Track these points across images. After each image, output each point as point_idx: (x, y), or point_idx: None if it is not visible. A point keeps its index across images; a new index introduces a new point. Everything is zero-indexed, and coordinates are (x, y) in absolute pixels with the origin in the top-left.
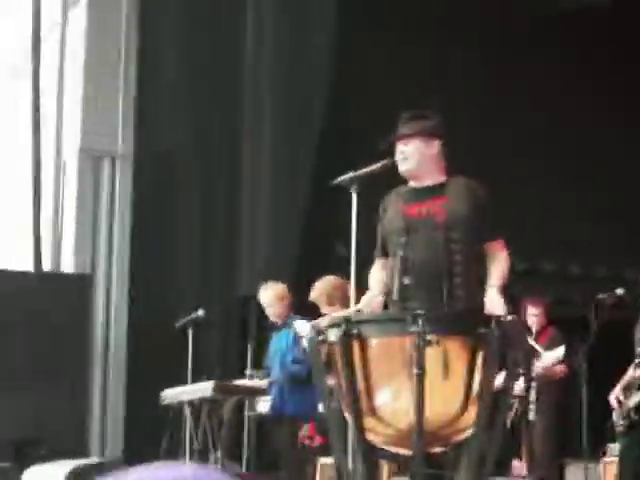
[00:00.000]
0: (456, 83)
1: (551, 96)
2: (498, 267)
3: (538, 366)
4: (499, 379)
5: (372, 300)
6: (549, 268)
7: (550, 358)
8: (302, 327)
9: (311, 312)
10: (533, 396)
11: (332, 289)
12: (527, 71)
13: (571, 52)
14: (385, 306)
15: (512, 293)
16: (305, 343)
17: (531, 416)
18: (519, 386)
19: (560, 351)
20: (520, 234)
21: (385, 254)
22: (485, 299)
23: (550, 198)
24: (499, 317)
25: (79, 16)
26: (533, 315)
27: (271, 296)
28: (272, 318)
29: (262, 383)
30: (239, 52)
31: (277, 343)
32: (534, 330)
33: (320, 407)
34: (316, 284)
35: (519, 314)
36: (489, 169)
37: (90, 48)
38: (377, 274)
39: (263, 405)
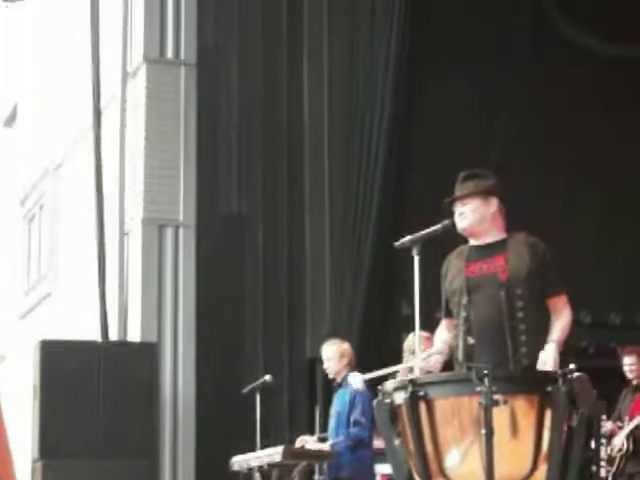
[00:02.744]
0: (507, 144)
1: (613, 144)
2: (559, 323)
3: None
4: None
5: (431, 357)
6: (615, 320)
7: None
8: (355, 380)
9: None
10: (628, 448)
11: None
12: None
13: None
14: (448, 366)
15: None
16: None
17: (628, 468)
18: (619, 440)
19: None
20: (585, 287)
21: (450, 314)
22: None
23: (617, 249)
24: (566, 374)
25: (138, 87)
26: (629, 365)
27: (333, 351)
28: (330, 374)
29: (325, 447)
30: (298, 117)
31: (336, 404)
32: (634, 382)
33: (378, 469)
34: (409, 336)
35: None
36: (552, 222)
37: (150, 118)
38: (442, 334)
39: None
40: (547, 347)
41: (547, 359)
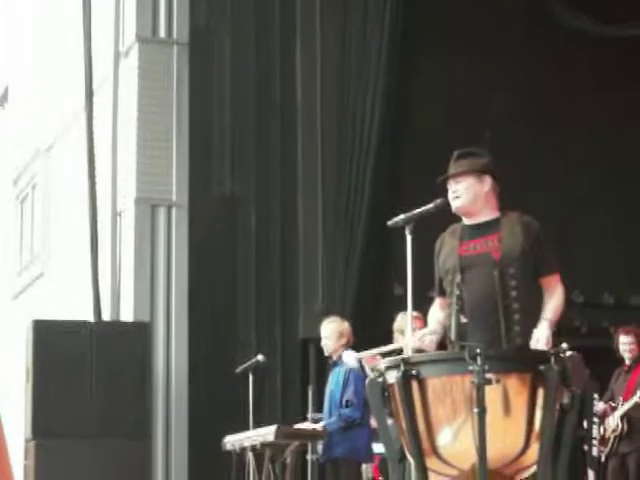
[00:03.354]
0: (504, 121)
1: (606, 123)
2: (553, 302)
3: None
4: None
5: (424, 336)
6: (609, 300)
7: None
8: (348, 358)
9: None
10: (623, 428)
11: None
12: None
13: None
14: (441, 345)
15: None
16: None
17: (622, 448)
18: (613, 420)
19: None
20: (578, 267)
21: (443, 293)
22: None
23: (609, 228)
24: (558, 353)
25: (130, 66)
26: (625, 344)
27: (332, 329)
28: (326, 351)
29: (319, 427)
30: (291, 97)
31: (330, 383)
32: (627, 362)
33: (373, 448)
34: (398, 315)
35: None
36: (546, 202)
37: (142, 98)
38: (436, 313)
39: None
40: (540, 325)
41: (540, 337)
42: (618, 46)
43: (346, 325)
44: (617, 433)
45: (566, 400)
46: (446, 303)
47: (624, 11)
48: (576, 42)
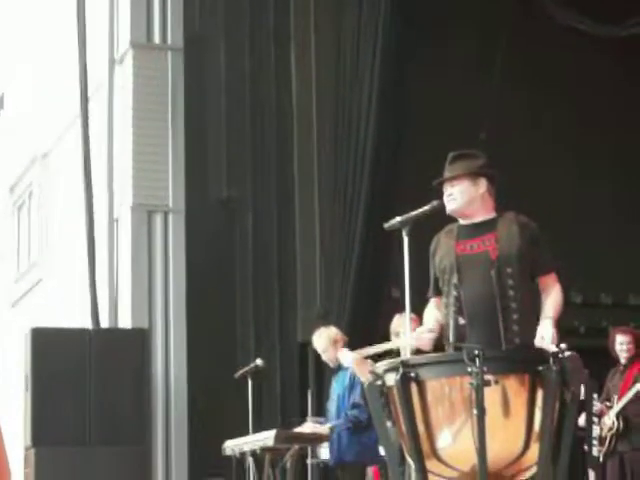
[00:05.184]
0: (503, 124)
1: (609, 125)
2: (552, 300)
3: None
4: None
5: (421, 334)
6: (607, 300)
7: None
8: (344, 357)
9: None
10: (619, 426)
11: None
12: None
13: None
14: (438, 344)
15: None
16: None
17: (620, 447)
18: (609, 418)
19: None
20: (577, 267)
21: (438, 293)
22: (537, 330)
23: (607, 228)
24: (557, 353)
25: (125, 72)
26: (622, 344)
27: (325, 341)
28: (330, 363)
29: (323, 429)
30: (286, 100)
31: (336, 387)
32: (623, 361)
33: (381, 452)
34: (395, 317)
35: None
36: (543, 203)
37: (137, 103)
38: (432, 312)
39: (325, 452)
40: (543, 323)
41: (545, 334)
42: (617, 44)
43: (334, 330)
44: (613, 431)
45: (566, 401)
46: (442, 302)
47: (622, 10)
48: (575, 40)
